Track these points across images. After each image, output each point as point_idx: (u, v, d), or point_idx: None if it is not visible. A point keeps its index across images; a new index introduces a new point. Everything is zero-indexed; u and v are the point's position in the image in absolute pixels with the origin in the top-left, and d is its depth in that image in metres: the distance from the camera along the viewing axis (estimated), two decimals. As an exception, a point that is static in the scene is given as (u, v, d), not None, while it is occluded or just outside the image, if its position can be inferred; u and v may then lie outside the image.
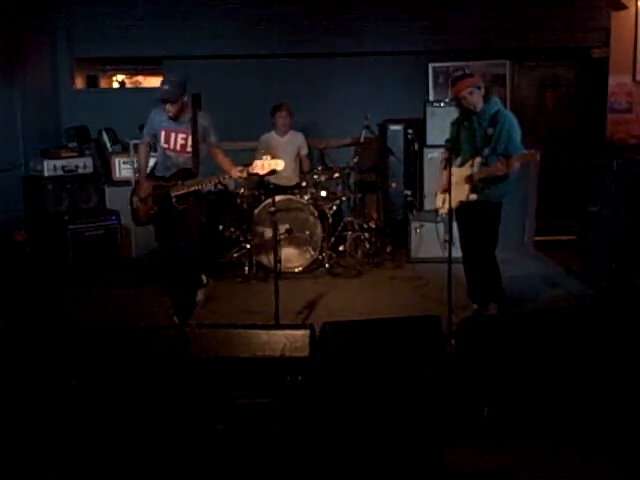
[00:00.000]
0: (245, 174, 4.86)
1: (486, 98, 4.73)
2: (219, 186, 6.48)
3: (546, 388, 3.56)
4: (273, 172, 4.80)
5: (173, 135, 4.90)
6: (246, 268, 6.17)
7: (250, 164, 4.82)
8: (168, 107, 4.79)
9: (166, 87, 4.79)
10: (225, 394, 3.56)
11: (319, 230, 6.19)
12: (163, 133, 4.91)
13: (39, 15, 6.82)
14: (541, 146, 5.70)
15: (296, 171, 6.70)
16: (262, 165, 4.73)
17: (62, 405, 3.53)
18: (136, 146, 5.98)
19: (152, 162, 5.28)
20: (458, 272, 4.89)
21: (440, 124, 6.11)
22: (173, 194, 4.84)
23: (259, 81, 7.27)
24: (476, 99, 4.68)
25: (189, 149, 4.90)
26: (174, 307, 5.07)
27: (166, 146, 4.92)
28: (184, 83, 4.89)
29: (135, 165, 6.12)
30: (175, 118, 4.87)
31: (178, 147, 4.90)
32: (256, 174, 4.85)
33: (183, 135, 4.88)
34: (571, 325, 3.92)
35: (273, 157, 4.82)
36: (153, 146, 5.17)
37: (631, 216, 5.26)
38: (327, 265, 6.25)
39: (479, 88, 4.70)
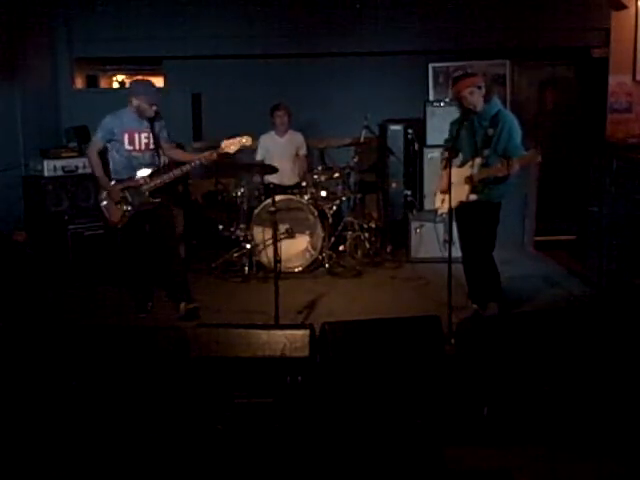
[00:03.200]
0: (215, 156, 4.99)
1: (487, 98, 4.72)
2: (219, 186, 6.50)
3: (546, 388, 3.56)
4: (244, 148, 5.05)
5: (137, 135, 5.00)
6: (246, 268, 6.17)
7: (218, 146, 5.01)
8: (154, 109, 4.97)
9: (156, 89, 5.10)
10: (225, 394, 3.56)
11: (319, 230, 6.19)
12: (127, 135, 4.98)
13: (39, 15, 6.82)
14: (541, 146, 5.71)
15: (295, 171, 6.71)
16: (230, 144, 4.96)
17: (62, 405, 3.53)
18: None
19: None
20: (458, 272, 4.89)
21: (440, 124, 6.12)
22: (147, 190, 4.97)
23: (259, 81, 7.28)
24: (476, 99, 4.68)
25: (152, 146, 5.04)
26: (175, 300, 5.17)
27: (131, 148, 5.00)
28: None
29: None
30: (139, 120, 4.99)
31: (142, 146, 5.03)
32: (226, 153, 5.02)
33: (145, 134, 5.01)
34: (571, 325, 3.92)
35: (239, 135, 5.04)
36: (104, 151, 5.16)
37: (631, 216, 5.26)
38: (327, 265, 6.25)
39: (480, 88, 4.69)
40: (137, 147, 5.01)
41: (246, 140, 5.04)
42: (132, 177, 5.00)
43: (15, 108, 6.24)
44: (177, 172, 5.02)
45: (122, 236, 5.17)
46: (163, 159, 5.18)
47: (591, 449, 3.29)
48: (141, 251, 5.19)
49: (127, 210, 5.00)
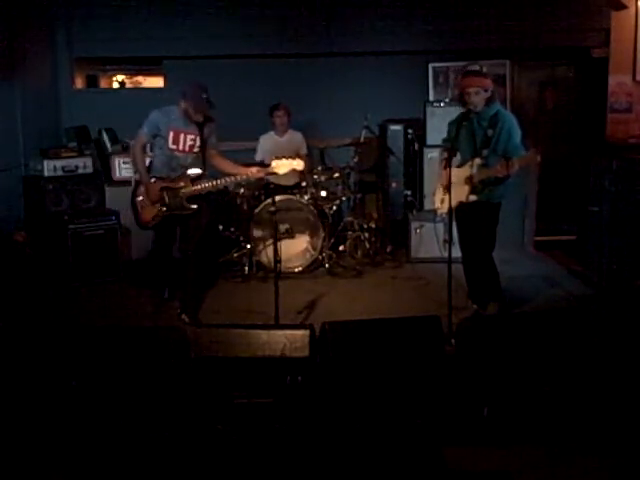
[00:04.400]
0: (262, 174, 4.93)
1: (488, 102, 4.72)
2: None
3: (546, 388, 3.56)
4: (294, 172, 4.93)
5: (182, 136, 4.88)
6: (246, 268, 6.17)
7: (268, 165, 4.90)
8: (200, 116, 4.82)
9: (206, 96, 4.80)
10: (225, 394, 3.56)
11: (319, 230, 6.19)
12: (172, 134, 4.86)
13: (39, 15, 6.82)
14: (541, 146, 5.71)
15: (295, 171, 6.70)
16: (281, 165, 4.79)
17: (62, 405, 3.53)
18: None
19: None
20: (458, 272, 4.89)
21: (440, 124, 6.09)
22: (185, 194, 4.84)
23: (259, 81, 7.27)
24: (479, 100, 4.68)
25: (196, 149, 4.91)
26: (182, 306, 5.11)
27: (174, 147, 4.88)
28: None
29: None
30: (186, 120, 4.86)
31: (187, 148, 4.89)
32: (275, 174, 4.89)
33: (192, 136, 4.88)
34: (571, 325, 3.92)
35: (291, 157, 4.87)
36: (148, 147, 5.10)
37: (631, 216, 5.26)
38: (327, 265, 6.25)
39: (486, 91, 4.69)
40: (181, 147, 4.87)
41: (297, 164, 4.83)
42: (170, 177, 4.89)
43: (15, 108, 6.23)
44: (221, 182, 4.91)
45: (155, 235, 5.12)
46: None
47: (591, 449, 3.29)
48: (168, 251, 5.14)
49: (161, 211, 4.89)
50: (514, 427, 3.45)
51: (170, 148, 4.88)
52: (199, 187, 4.84)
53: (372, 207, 7.20)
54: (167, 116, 4.88)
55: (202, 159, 4.91)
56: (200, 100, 4.79)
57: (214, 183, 4.89)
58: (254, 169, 4.93)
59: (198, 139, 4.88)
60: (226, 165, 5.03)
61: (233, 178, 4.97)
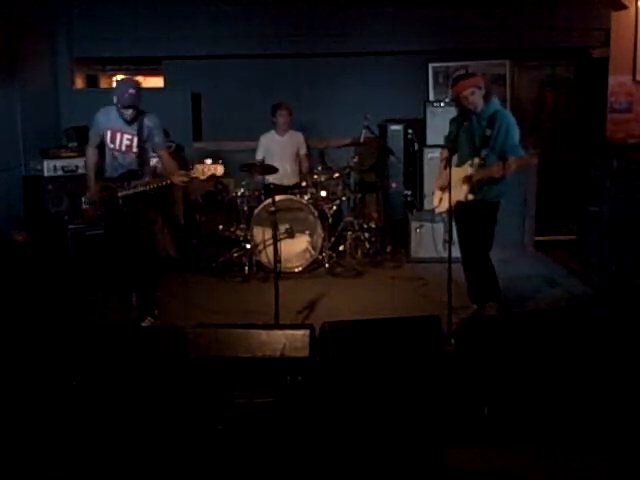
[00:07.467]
0: (187, 178, 4.75)
1: (486, 98, 4.73)
2: (219, 186, 6.50)
3: (546, 388, 3.57)
4: (213, 177, 4.72)
5: (119, 135, 4.83)
6: (246, 268, 6.17)
7: (192, 168, 4.75)
8: (130, 112, 4.76)
9: (133, 92, 4.73)
10: (225, 394, 3.56)
11: (319, 230, 6.19)
12: (109, 133, 4.84)
13: (39, 15, 6.81)
14: (541, 146, 5.72)
15: (296, 171, 6.71)
16: (202, 170, 4.65)
17: (62, 405, 3.53)
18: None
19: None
20: (458, 272, 4.89)
21: (440, 124, 6.11)
22: (120, 195, 4.81)
23: (259, 81, 7.28)
24: (477, 99, 4.68)
25: (135, 150, 4.85)
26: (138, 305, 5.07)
27: (112, 146, 4.86)
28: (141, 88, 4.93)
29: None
30: (124, 119, 4.81)
31: (124, 148, 4.85)
32: (196, 178, 4.74)
33: (129, 136, 4.83)
34: (571, 325, 3.92)
35: (214, 162, 4.70)
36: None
37: (631, 216, 5.26)
38: (327, 265, 6.25)
39: (480, 88, 4.70)
40: (117, 147, 4.84)
41: (217, 169, 4.64)
42: (112, 177, 4.88)
43: (15, 108, 6.23)
44: (151, 184, 4.79)
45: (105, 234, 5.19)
46: (153, 165, 5.11)
47: (591, 449, 3.29)
48: (124, 254, 5.05)
49: (99, 210, 4.96)
50: (514, 427, 3.45)
51: (109, 147, 4.88)
52: (132, 190, 4.77)
53: (372, 207, 7.20)
54: (106, 115, 4.86)
55: (141, 159, 4.85)
56: (123, 94, 4.71)
57: (145, 185, 4.79)
58: (178, 174, 4.75)
59: (135, 139, 4.82)
60: (167, 167, 4.93)
61: (157, 181, 4.82)
